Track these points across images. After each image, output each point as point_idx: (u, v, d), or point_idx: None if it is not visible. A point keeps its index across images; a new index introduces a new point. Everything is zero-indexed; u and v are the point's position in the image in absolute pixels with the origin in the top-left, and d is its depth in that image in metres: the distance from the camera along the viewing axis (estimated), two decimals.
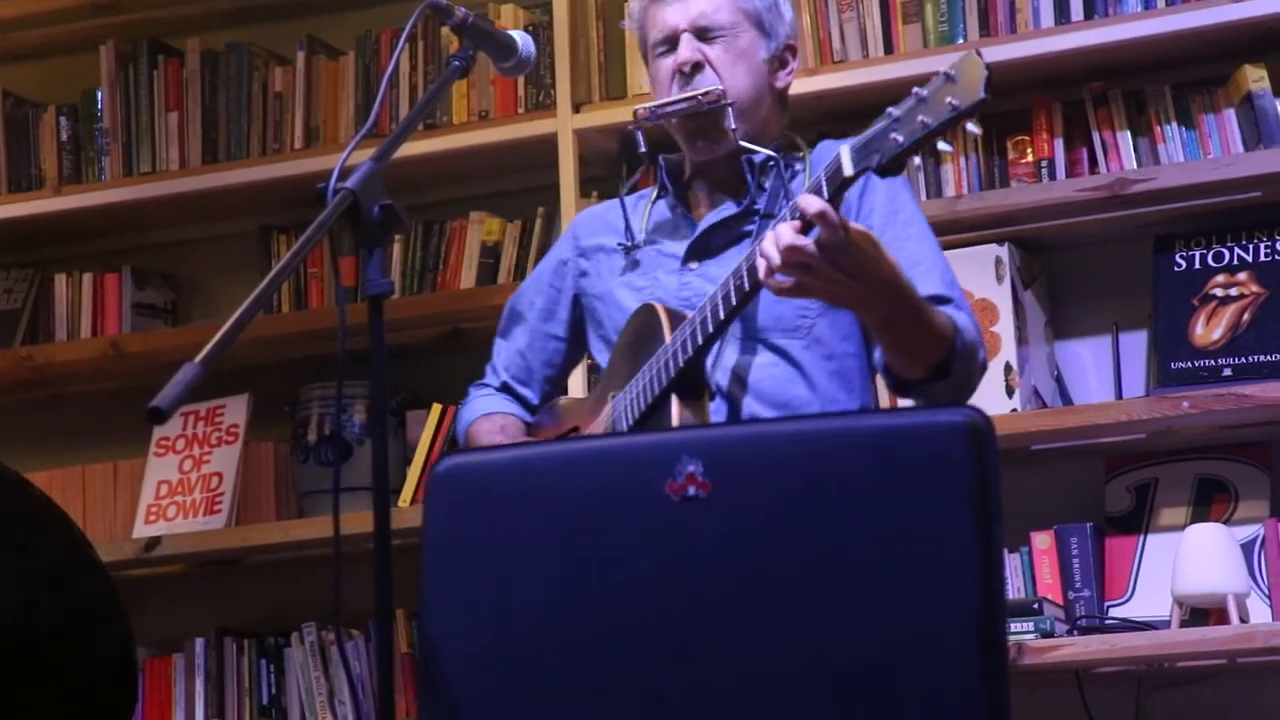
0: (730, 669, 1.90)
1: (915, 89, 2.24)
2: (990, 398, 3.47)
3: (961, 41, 3.61)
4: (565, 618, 1.95)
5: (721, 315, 2.50)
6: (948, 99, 2.19)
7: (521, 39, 2.65)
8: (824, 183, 2.33)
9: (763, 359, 2.65)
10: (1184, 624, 3.35)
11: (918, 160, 3.66)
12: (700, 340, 2.53)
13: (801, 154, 2.78)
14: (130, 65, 4.21)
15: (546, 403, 2.94)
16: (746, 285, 2.46)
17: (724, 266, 2.64)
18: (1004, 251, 3.55)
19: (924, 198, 3.65)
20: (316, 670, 3.95)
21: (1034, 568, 3.50)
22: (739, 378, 2.63)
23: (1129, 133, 3.56)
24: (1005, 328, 3.52)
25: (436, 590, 2.01)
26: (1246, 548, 3.40)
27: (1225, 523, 3.43)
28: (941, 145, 2.23)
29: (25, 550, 2.40)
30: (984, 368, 2.62)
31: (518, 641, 1.96)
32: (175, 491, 4.07)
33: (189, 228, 4.31)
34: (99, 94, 4.22)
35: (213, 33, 4.24)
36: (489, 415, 2.91)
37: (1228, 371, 3.44)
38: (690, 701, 1.91)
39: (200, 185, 4.09)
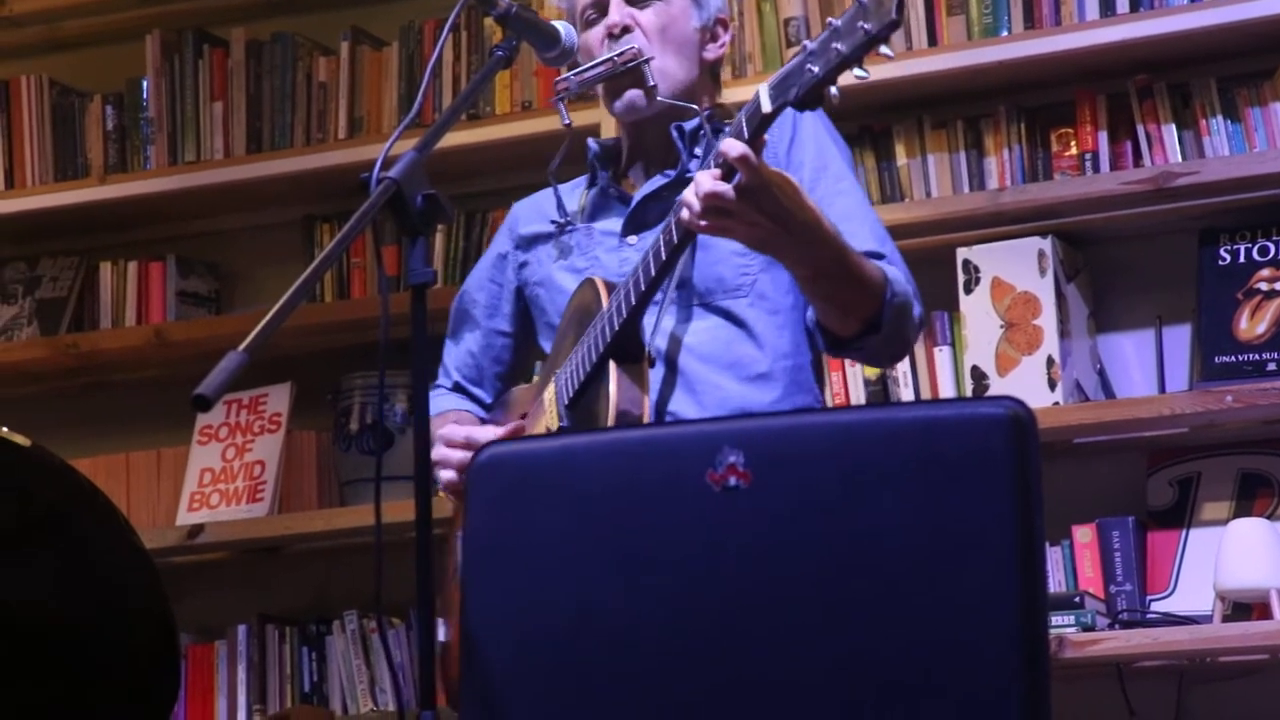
0: (770, 660, 1.90)
1: (830, 20, 2.23)
2: (1032, 390, 3.46)
3: (1005, 34, 3.60)
4: (605, 608, 1.95)
5: (653, 272, 2.48)
6: (860, 24, 2.17)
7: (565, 29, 2.65)
8: (744, 123, 2.32)
9: (707, 322, 2.63)
10: (1226, 619, 3.34)
11: (960, 152, 3.66)
12: (634, 300, 2.51)
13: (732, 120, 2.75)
14: (175, 55, 4.22)
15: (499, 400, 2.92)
16: (675, 238, 2.45)
17: None
18: (1047, 244, 3.54)
19: (966, 189, 3.65)
20: (358, 658, 3.97)
21: (1075, 561, 3.49)
22: (683, 343, 2.61)
23: (1174, 125, 3.55)
24: (1048, 321, 3.51)
25: (477, 580, 2.02)
26: None
27: (1268, 517, 3.42)
28: (857, 72, 2.20)
29: (70, 537, 2.41)
30: (922, 324, 2.59)
31: (558, 631, 1.97)
32: (218, 479, 4.08)
33: (233, 217, 4.33)
34: (144, 83, 4.23)
35: (258, 23, 4.25)
36: (443, 413, 2.86)
37: (1272, 366, 3.42)
38: (729, 692, 1.91)
39: (244, 175, 4.11)
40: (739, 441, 1.92)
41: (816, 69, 2.22)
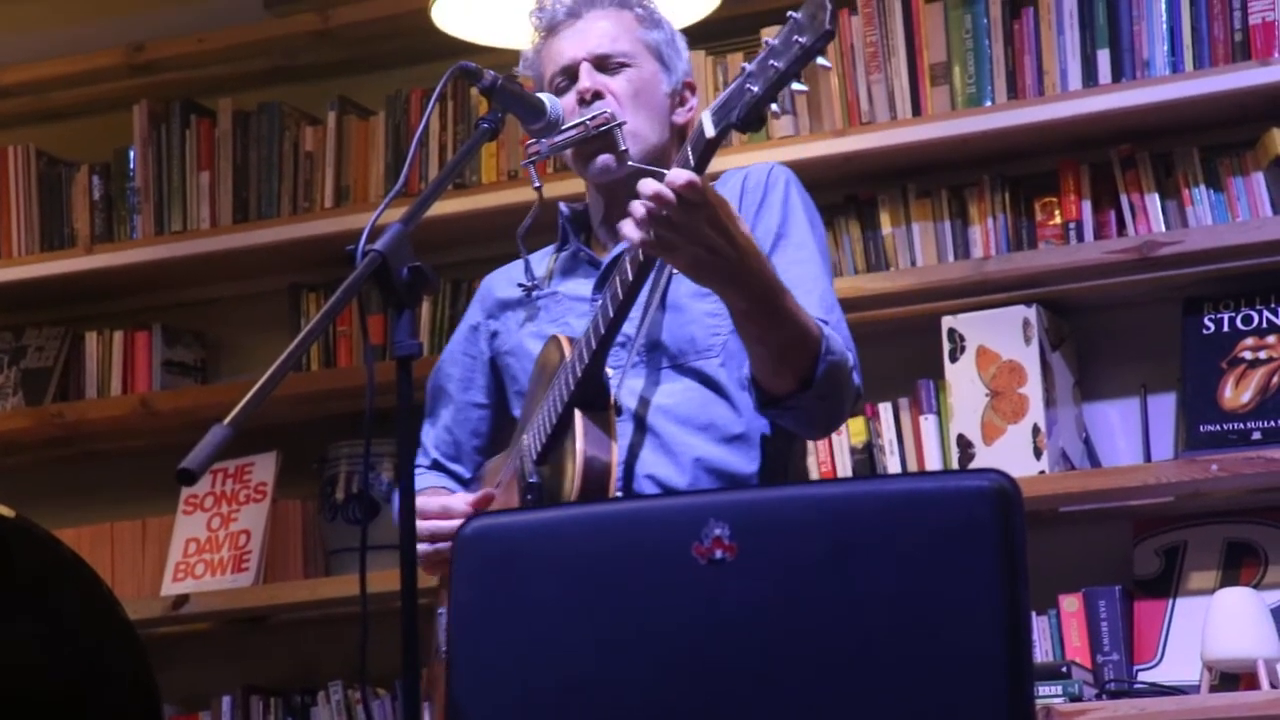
0: None
1: (766, 39, 2.25)
2: (1018, 459, 3.46)
3: (989, 104, 3.62)
4: (591, 680, 1.95)
5: (611, 313, 2.47)
6: (795, 39, 2.20)
7: (550, 101, 2.66)
8: (689, 152, 2.33)
9: (680, 384, 2.60)
10: (1214, 689, 3.33)
11: (945, 221, 3.67)
12: (594, 345, 2.50)
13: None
14: (163, 125, 4.24)
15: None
16: (630, 275, 2.44)
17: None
18: (1032, 313, 3.55)
19: (951, 258, 3.66)
20: None
21: (1062, 631, 3.48)
22: (657, 405, 2.59)
23: (1157, 195, 3.57)
24: (1033, 389, 3.52)
25: (462, 652, 2.01)
26: (1277, 612, 3.38)
27: (1255, 586, 3.42)
28: (796, 86, 2.22)
29: (53, 607, 2.41)
30: (859, 394, 2.55)
31: (544, 704, 1.96)
32: (203, 549, 4.07)
33: (219, 286, 4.34)
34: (131, 153, 4.25)
35: (245, 93, 4.27)
36: (421, 491, 2.80)
37: (1257, 435, 3.43)
38: None
39: (231, 244, 4.12)
40: (725, 514, 1.92)
41: (756, 88, 2.24)
